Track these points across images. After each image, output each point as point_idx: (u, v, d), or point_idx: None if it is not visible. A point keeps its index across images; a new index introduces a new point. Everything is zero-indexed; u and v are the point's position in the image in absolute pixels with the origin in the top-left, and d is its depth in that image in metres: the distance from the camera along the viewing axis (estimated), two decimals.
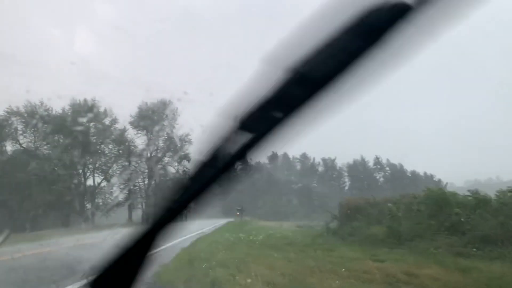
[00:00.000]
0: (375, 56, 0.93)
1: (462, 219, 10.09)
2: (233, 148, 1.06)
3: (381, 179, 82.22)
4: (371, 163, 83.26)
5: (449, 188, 13.38)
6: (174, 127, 51.34)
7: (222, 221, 33.20)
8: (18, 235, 22.63)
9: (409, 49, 0.95)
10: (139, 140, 50.49)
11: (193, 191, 1.16)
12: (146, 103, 49.41)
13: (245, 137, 1.04)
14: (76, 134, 44.61)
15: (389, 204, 12.91)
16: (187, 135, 48.69)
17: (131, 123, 49.62)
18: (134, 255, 1.23)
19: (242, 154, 1.07)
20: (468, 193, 11.40)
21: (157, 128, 50.03)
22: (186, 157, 50.16)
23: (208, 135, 1.09)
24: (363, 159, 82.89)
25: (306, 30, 0.96)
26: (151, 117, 48.81)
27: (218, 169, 1.12)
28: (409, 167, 79.32)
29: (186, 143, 48.79)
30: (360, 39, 0.94)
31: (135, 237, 1.22)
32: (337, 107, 1.04)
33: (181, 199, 1.19)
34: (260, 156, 1.10)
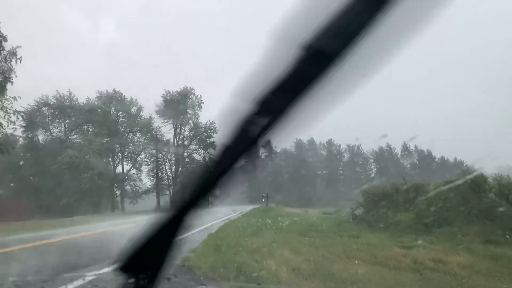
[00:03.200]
0: (389, 25, 0.91)
1: (494, 205, 9.84)
2: (254, 131, 1.05)
3: (408, 165, 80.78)
4: (398, 150, 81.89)
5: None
6: (198, 115, 51.81)
7: (248, 208, 33.45)
8: (51, 221, 23.46)
9: (424, 14, 0.92)
10: (166, 128, 51.23)
11: (217, 175, 1.17)
12: (169, 91, 49.97)
13: (264, 120, 1.03)
14: (104, 123, 45.67)
15: (414, 193, 12.69)
16: (213, 122, 49.07)
17: (157, 112, 50.35)
18: (161, 240, 1.27)
19: (262, 137, 1.07)
20: (499, 179, 11.08)
21: (182, 116, 50.58)
22: (212, 144, 50.65)
23: (227, 117, 1.08)
24: (389, 146, 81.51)
25: (312, 4, 0.94)
26: (176, 106, 49.29)
27: (239, 153, 1.13)
28: (438, 153, 77.54)
29: (212, 130, 49.17)
30: (369, 9, 0.91)
31: (162, 223, 1.26)
32: (355, 83, 1.01)
33: (205, 184, 1.21)
34: (280, 139, 1.09)
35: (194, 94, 50.86)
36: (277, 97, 1.00)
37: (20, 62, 26.01)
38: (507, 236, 8.73)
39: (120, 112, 47.99)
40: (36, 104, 43.37)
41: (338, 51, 0.95)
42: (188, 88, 50.40)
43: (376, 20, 0.91)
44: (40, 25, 71.81)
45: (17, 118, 28.97)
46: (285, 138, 1.10)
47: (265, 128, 1.05)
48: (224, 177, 1.17)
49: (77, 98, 46.50)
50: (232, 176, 1.16)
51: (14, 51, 26.03)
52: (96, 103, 46.99)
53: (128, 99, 48.17)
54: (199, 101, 51.14)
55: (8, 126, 27.31)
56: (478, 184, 10.85)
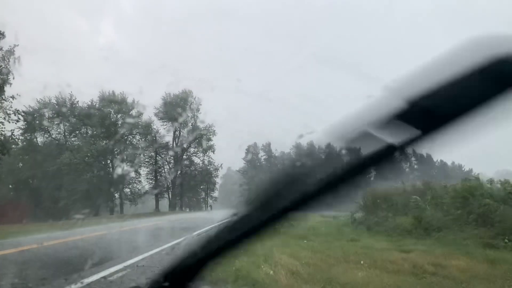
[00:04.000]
0: (499, 105, 0.90)
1: (492, 210, 9.84)
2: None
3: (407, 169, 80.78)
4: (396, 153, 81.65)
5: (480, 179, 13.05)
6: (197, 117, 51.92)
7: None
8: (49, 223, 23.42)
9: None
10: (165, 131, 51.30)
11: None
12: (169, 94, 50.09)
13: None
14: (104, 125, 45.68)
15: (414, 197, 12.68)
16: (211, 125, 49.13)
17: (156, 115, 50.45)
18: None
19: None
20: (498, 183, 11.10)
21: (181, 119, 50.66)
22: (211, 147, 50.70)
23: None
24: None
25: (432, 66, 0.94)
26: (175, 108, 49.41)
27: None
28: (436, 156, 77.55)
29: (211, 133, 49.25)
30: (487, 86, 0.91)
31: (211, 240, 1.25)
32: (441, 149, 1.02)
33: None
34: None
35: (193, 97, 51.03)
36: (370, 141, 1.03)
37: (19, 61, 26.00)
38: (506, 241, 8.72)
39: (119, 114, 48.01)
40: (36, 105, 43.37)
41: (443, 117, 0.94)
42: (187, 90, 50.54)
43: (489, 99, 0.90)
44: (40, 27, 71.97)
45: (18, 118, 28.95)
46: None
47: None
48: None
49: (77, 101, 46.53)
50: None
51: (12, 50, 26.02)
52: (96, 105, 47.01)
53: (130, 101, 48.24)
54: (198, 103, 51.28)
55: (9, 122, 27.22)
56: (475, 189, 10.87)
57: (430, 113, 0.95)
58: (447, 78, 0.90)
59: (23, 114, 32.13)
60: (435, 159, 77.00)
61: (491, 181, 11.47)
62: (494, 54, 0.87)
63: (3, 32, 25.33)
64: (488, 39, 0.91)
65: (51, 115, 45.34)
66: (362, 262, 7.08)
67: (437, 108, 0.94)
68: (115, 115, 47.80)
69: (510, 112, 0.91)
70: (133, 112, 49.18)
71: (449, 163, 78.58)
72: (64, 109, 44.87)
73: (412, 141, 0.99)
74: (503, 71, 0.89)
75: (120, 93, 47.44)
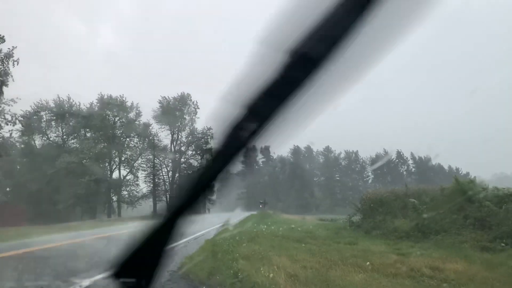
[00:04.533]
0: (371, 28, 0.91)
1: (491, 213, 9.87)
2: (244, 135, 1.06)
3: (404, 172, 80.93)
4: (394, 156, 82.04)
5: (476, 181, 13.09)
6: (195, 121, 51.93)
7: (245, 214, 33.43)
8: (47, 226, 23.36)
9: (409, 19, 0.92)
10: (163, 134, 51.28)
11: (211, 180, 1.18)
12: (166, 98, 50.08)
13: (253, 124, 1.04)
14: (102, 128, 45.62)
15: (411, 200, 12.71)
16: (209, 128, 49.14)
17: (154, 118, 50.43)
18: (155, 247, 1.27)
19: (251, 141, 1.08)
20: (495, 187, 11.13)
21: (179, 122, 50.67)
22: (209, 150, 50.68)
23: (218, 122, 1.09)
24: (386, 152, 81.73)
25: (297, 9, 0.94)
26: (173, 112, 49.40)
27: (231, 158, 1.13)
28: (434, 160, 77.74)
29: (208, 136, 49.24)
30: (352, 13, 0.92)
31: (156, 228, 1.26)
32: (342, 87, 1.02)
33: (200, 189, 1.21)
34: (270, 143, 1.10)
35: (191, 100, 51.06)
36: (265, 102, 1.00)
37: (18, 64, 25.96)
38: (503, 244, 8.75)
39: (118, 117, 47.96)
40: (34, 108, 43.29)
41: (324, 56, 0.95)
42: (185, 94, 50.56)
43: (360, 24, 0.91)
44: (40, 31, 71.98)
45: (15, 123, 28.90)
46: (274, 142, 1.10)
47: (255, 133, 1.05)
48: (219, 182, 1.18)
49: (75, 103, 46.46)
50: (228, 181, 1.17)
51: (11, 52, 25.99)
52: (95, 108, 46.96)
53: (128, 104, 48.19)
54: (196, 107, 51.31)
55: (7, 125, 27.17)
56: (473, 192, 10.90)
57: (309, 59, 0.96)
58: (316, 16, 0.92)
59: (20, 118, 32.07)
60: (435, 162, 77.39)
61: (486, 184, 11.48)
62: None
63: (3, 36, 25.33)
64: None
65: (49, 118, 45.25)
66: (360, 265, 7.09)
67: (316, 50, 0.95)
68: (113, 118, 47.75)
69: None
70: (131, 115, 49.19)
71: (446, 166, 78.84)
72: (62, 112, 44.80)
73: (252, 135, 1.04)
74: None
75: (119, 96, 47.47)
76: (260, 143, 1.09)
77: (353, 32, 0.92)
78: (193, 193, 1.24)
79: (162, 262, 1.28)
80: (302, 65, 0.97)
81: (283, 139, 1.10)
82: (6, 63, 25.68)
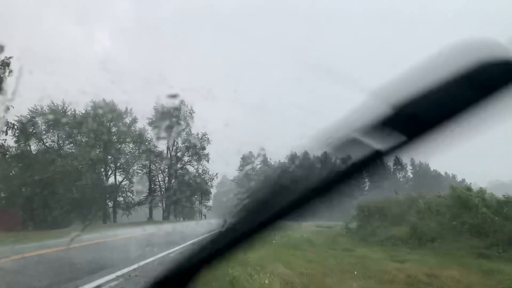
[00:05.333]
0: (483, 110, 0.91)
1: (488, 220, 9.87)
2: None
3: (401, 179, 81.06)
4: (391, 163, 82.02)
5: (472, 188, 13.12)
6: (191, 126, 51.93)
7: None
8: (42, 232, 23.19)
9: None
10: (159, 140, 51.17)
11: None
12: (161, 104, 50.07)
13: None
14: (97, 134, 45.48)
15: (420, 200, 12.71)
16: (205, 134, 49.15)
17: (150, 124, 50.37)
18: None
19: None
20: (492, 194, 11.16)
21: (174, 128, 50.58)
22: (205, 156, 50.67)
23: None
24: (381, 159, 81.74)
25: (417, 72, 0.94)
26: (168, 117, 49.34)
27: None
28: (431, 166, 77.85)
29: (205, 142, 49.19)
30: (471, 91, 0.91)
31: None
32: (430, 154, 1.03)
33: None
34: None
35: (185, 105, 51.02)
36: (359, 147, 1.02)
37: (12, 73, 25.95)
38: (500, 251, 8.75)
39: (113, 123, 47.84)
40: (29, 114, 43.13)
41: (428, 122, 0.95)
42: (180, 99, 50.57)
43: (473, 104, 0.91)
44: (34, 36, 71.78)
45: (9, 129, 28.80)
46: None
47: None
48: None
49: (71, 108, 46.33)
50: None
51: (7, 61, 25.99)
52: (89, 113, 46.82)
53: (123, 110, 48.09)
54: (191, 112, 51.34)
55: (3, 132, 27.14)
56: (469, 199, 10.91)
57: (415, 119, 0.95)
58: (432, 83, 0.91)
59: (15, 125, 32.02)
60: (432, 169, 77.53)
61: (483, 191, 11.49)
62: (478, 59, 0.88)
63: (3, 46, 25.39)
64: (471, 44, 0.92)
65: (44, 123, 45.08)
66: (357, 272, 7.06)
67: (423, 113, 0.95)
68: (108, 124, 47.63)
69: (495, 116, 0.92)
70: (127, 121, 49.12)
71: (442, 173, 78.95)
72: (57, 117, 44.64)
73: (398, 146, 0.99)
74: (487, 76, 0.90)
75: (111, 101, 47.30)
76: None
77: (464, 110, 0.92)
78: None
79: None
80: (403, 123, 0.96)
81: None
82: (3, 72, 25.71)
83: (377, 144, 1.00)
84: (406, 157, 1.07)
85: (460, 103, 0.92)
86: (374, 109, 0.98)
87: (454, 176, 75.67)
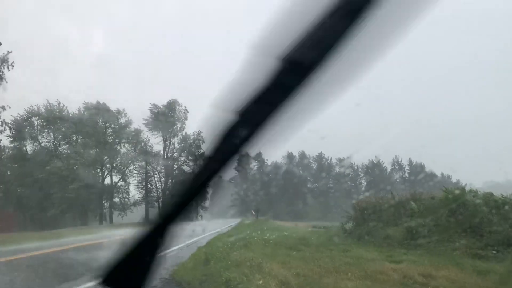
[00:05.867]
0: (363, 36, 0.91)
1: (483, 220, 9.91)
2: (236, 141, 1.06)
3: (398, 179, 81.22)
4: (386, 163, 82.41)
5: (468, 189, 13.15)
6: (186, 125, 51.91)
7: (237, 221, 33.38)
8: (34, 233, 23.08)
9: (401, 22, 0.92)
10: (155, 140, 51.07)
11: (203, 186, 1.17)
12: (156, 104, 50.02)
13: (245, 130, 1.04)
14: (93, 134, 45.36)
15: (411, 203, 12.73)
16: (199, 133, 49.12)
17: (146, 125, 50.28)
18: (145, 254, 1.25)
19: (243, 147, 1.07)
20: (491, 192, 11.20)
21: (170, 128, 50.56)
22: (201, 156, 50.59)
23: (209, 128, 1.08)
24: (378, 160, 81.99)
25: (290, 15, 0.94)
26: (163, 118, 49.30)
27: (222, 164, 1.12)
28: (427, 167, 78.05)
29: (200, 141, 49.13)
30: (344, 19, 0.92)
31: (147, 235, 1.24)
32: (335, 93, 1.02)
33: (191, 195, 1.20)
34: (262, 149, 1.09)
35: (180, 105, 51.00)
36: (257, 108, 1.00)
37: (13, 67, 25.80)
38: (495, 251, 8.79)
39: (108, 123, 47.73)
40: (25, 114, 42.93)
41: (316, 62, 0.95)
42: (174, 99, 50.59)
43: (353, 30, 0.92)
44: (30, 35, 71.45)
45: (4, 129, 28.68)
46: (266, 149, 1.09)
47: (247, 139, 1.05)
48: (211, 189, 1.17)
49: (66, 108, 46.17)
50: (220, 187, 1.16)
51: (5, 57, 25.88)
52: (84, 113, 46.68)
53: (115, 111, 47.96)
54: (185, 112, 51.31)
55: None
56: (464, 199, 10.94)
57: (300, 66, 0.96)
58: (308, 24, 0.92)
59: (10, 125, 31.88)
60: (427, 169, 77.74)
61: (475, 192, 11.53)
62: None
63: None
64: None
65: (40, 123, 44.90)
66: (352, 272, 7.08)
67: (308, 57, 0.95)
68: (103, 124, 47.50)
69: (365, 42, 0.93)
70: (122, 121, 49.00)
71: (438, 173, 79.16)
72: (53, 117, 44.49)
73: (244, 141, 1.03)
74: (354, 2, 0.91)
75: (106, 102, 47.22)
76: (252, 149, 1.08)
77: (346, 38, 0.92)
78: (184, 200, 1.23)
79: (152, 269, 1.26)
80: (294, 71, 0.97)
81: (275, 146, 1.10)
82: (2, 68, 25.61)
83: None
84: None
85: (334, 36, 0.93)
86: (220, 120, 1.02)
87: (449, 177, 75.93)
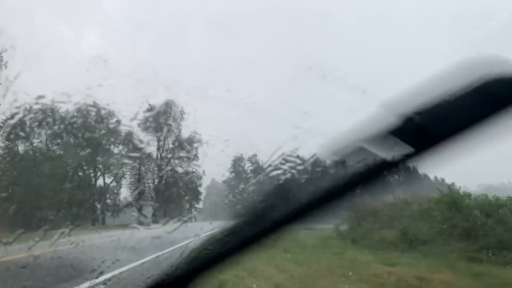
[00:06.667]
0: (493, 125, 0.91)
1: (477, 223, 9.92)
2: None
3: (393, 182, 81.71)
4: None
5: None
6: (181, 126, 51.75)
7: (229, 223, 33.35)
8: (30, 234, 22.84)
9: None
10: (149, 141, 50.88)
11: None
12: (151, 104, 49.87)
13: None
14: (85, 135, 45.11)
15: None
16: (195, 133, 48.95)
17: (139, 125, 50.08)
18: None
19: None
20: (485, 196, 11.23)
21: (165, 129, 50.42)
22: (195, 157, 50.57)
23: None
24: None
25: (427, 84, 0.95)
26: (158, 119, 49.16)
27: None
28: (421, 170, 78.55)
29: (196, 143, 49.00)
30: (480, 105, 0.92)
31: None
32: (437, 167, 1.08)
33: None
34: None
35: (176, 106, 50.82)
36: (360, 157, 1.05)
37: (6, 68, 25.59)
38: (490, 254, 8.80)
39: (101, 124, 47.46)
40: (16, 113, 42.56)
41: (435, 133, 0.96)
42: (170, 100, 50.43)
43: (483, 119, 0.92)
44: (22, 34, 70.94)
45: None
46: None
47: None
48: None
49: (59, 109, 45.83)
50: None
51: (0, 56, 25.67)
52: (77, 114, 46.42)
53: (109, 111, 47.71)
54: (181, 113, 51.17)
55: None
56: (459, 202, 10.96)
57: (423, 131, 0.96)
58: (442, 96, 0.92)
59: (1, 125, 31.59)
60: (420, 172, 78.28)
61: (470, 195, 11.55)
62: (487, 75, 0.89)
63: None
64: (481, 59, 0.94)
65: (32, 123, 44.55)
66: (347, 275, 7.03)
67: (431, 125, 0.95)
68: (96, 124, 47.24)
69: (500, 132, 0.93)
70: (115, 122, 48.78)
71: (431, 176, 79.78)
72: (45, 117, 44.17)
73: (405, 157, 1.01)
74: (495, 92, 0.90)
75: (99, 101, 46.95)
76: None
77: (474, 124, 0.93)
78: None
79: None
80: (411, 133, 0.97)
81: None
82: None
83: (383, 153, 1.01)
84: (410, 167, 1.12)
85: (469, 117, 0.93)
86: (383, 120, 0.99)
87: (443, 180, 76.55)
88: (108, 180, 48.92)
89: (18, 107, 40.09)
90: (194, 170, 54.51)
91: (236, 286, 5.89)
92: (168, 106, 50.14)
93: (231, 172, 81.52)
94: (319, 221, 1.19)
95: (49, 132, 45.47)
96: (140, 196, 50.44)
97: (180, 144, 51.69)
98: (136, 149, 49.68)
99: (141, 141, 50.37)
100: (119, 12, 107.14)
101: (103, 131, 47.98)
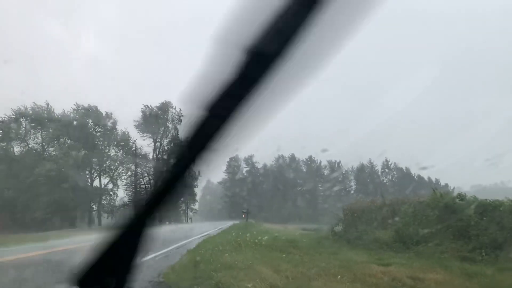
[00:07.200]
0: (327, 23, 0.91)
1: (471, 224, 10.00)
2: (205, 137, 1.04)
3: (387, 183, 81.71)
4: (378, 167, 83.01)
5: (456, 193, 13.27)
6: (178, 128, 51.54)
7: (228, 223, 33.28)
8: (25, 235, 22.75)
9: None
10: (145, 143, 50.75)
11: (170, 184, 1.17)
12: (148, 106, 49.74)
13: (214, 125, 1.02)
14: (82, 136, 44.90)
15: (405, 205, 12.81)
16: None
17: (136, 127, 49.95)
18: (123, 256, 1.23)
19: (214, 143, 1.05)
20: (475, 198, 11.30)
21: (161, 130, 50.29)
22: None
23: (182, 125, 1.08)
24: (371, 163, 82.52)
25: (252, 3, 0.94)
26: (155, 120, 49.01)
27: (192, 160, 1.11)
28: (415, 171, 78.66)
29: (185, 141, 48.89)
30: (307, 6, 0.92)
31: (118, 238, 1.21)
32: (298, 83, 1.01)
33: (160, 194, 1.20)
34: (233, 144, 1.07)
35: (173, 107, 50.74)
36: (224, 102, 0.99)
37: (2, 69, 25.51)
38: (483, 254, 8.88)
39: (97, 125, 47.31)
40: (12, 114, 42.33)
41: (279, 52, 0.94)
42: (167, 101, 50.33)
43: (314, 19, 0.91)
44: (18, 35, 70.57)
45: None
46: (237, 143, 1.07)
47: (215, 134, 1.03)
48: (182, 185, 1.17)
49: (54, 110, 45.62)
50: (189, 183, 1.16)
51: None
52: (73, 115, 46.24)
53: (105, 112, 47.61)
54: (179, 114, 51.01)
55: None
56: (453, 203, 11.03)
57: (265, 56, 0.95)
58: (270, 13, 0.92)
59: None
60: (413, 173, 78.38)
61: (463, 195, 11.63)
62: None
63: None
64: None
65: (28, 125, 44.30)
66: (342, 275, 7.08)
67: (269, 46, 0.95)
68: (92, 126, 47.09)
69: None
70: (111, 123, 48.63)
71: (425, 177, 79.76)
72: (41, 119, 43.94)
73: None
74: None
75: (95, 104, 46.85)
76: (223, 144, 1.07)
77: (305, 28, 0.92)
78: (156, 199, 1.23)
79: (131, 272, 1.23)
80: (259, 63, 0.96)
81: (245, 140, 1.08)
82: None
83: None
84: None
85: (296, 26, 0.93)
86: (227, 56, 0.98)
87: (437, 181, 76.59)
88: (104, 182, 48.72)
89: (13, 108, 39.97)
90: (190, 170, 54.31)
91: (232, 285, 5.94)
92: (165, 107, 50.04)
93: (226, 174, 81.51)
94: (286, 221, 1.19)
95: (44, 133, 45.21)
96: (136, 197, 50.24)
97: (176, 145, 51.57)
98: (132, 150, 49.54)
99: (138, 143, 50.23)
100: (115, 15, 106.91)
101: (99, 133, 47.81)
